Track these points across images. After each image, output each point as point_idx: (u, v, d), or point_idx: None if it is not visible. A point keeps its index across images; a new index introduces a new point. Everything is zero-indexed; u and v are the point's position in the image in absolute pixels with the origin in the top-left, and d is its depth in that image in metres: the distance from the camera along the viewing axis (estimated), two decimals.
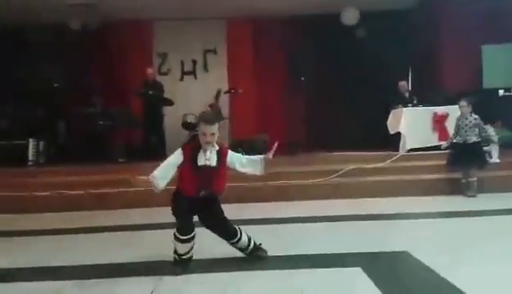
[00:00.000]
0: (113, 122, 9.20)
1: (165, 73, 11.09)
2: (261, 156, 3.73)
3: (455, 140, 7.07)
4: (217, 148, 3.63)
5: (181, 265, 3.63)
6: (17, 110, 9.81)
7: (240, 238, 3.75)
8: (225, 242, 3.81)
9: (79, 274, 3.70)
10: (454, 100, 7.73)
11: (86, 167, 8.27)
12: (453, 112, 7.75)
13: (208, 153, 3.57)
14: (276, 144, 3.73)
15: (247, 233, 3.82)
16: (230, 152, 3.73)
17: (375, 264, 3.66)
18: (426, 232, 4.90)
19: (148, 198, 6.80)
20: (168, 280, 3.47)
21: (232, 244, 3.79)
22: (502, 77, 9.50)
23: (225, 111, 10.11)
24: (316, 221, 5.42)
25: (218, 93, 10.14)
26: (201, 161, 3.55)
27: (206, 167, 3.55)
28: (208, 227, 3.76)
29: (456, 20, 9.80)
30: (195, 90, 11.02)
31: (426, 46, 10.30)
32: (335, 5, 10.06)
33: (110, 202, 6.95)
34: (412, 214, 5.71)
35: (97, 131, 9.30)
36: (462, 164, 6.93)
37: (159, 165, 3.61)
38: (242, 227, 3.84)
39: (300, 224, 5.30)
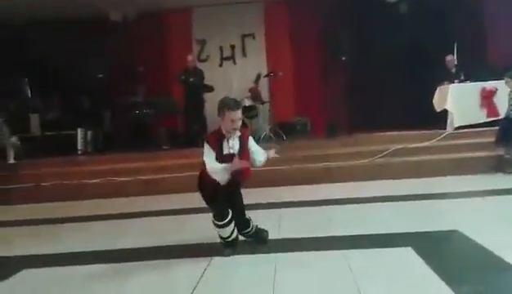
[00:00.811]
0: (155, 110, 9.35)
1: (204, 60, 11.12)
2: (265, 152, 3.80)
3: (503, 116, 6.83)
4: (239, 133, 3.65)
5: (230, 247, 3.68)
6: (65, 102, 10.13)
7: (250, 230, 3.80)
8: (269, 224, 3.80)
9: (129, 257, 3.82)
10: (502, 75, 7.41)
11: (132, 154, 8.46)
12: (502, 87, 7.43)
13: (231, 141, 3.60)
14: (273, 151, 3.83)
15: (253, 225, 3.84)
16: (250, 138, 3.78)
17: (426, 243, 3.59)
18: (476, 210, 4.78)
19: (193, 184, 6.95)
20: (219, 261, 3.53)
21: (242, 234, 3.80)
22: None
23: (265, 94, 10.08)
24: (362, 202, 5.35)
25: (258, 77, 10.12)
26: (226, 150, 3.59)
27: (229, 155, 3.58)
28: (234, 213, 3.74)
29: None
30: (234, 75, 11.03)
31: (472, 19, 9.88)
32: None
33: (156, 188, 7.11)
34: (461, 193, 5.56)
35: (141, 119, 9.48)
36: (506, 140, 6.69)
37: (201, 151, 3.66)
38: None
39: (347, 206, 5.25)
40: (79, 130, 9.18)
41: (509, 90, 6.79)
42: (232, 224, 3.66)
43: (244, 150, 3.66)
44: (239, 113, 3.55)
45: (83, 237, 4.77)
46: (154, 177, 7.36)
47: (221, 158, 3.57)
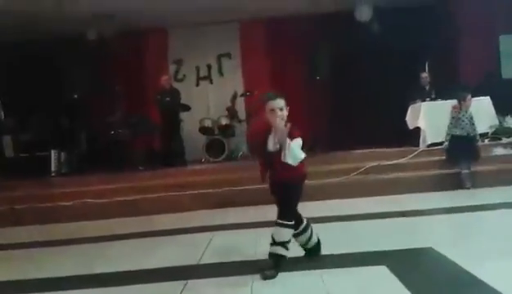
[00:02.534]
0: (132, 130, 9.29)
1: (181, 80, 11.17)
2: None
3: (457, 133, 7.11)
4: (287, 131, 3.42)
5: (276, 262, 3.52)
6: (38, 123, 9.98)
7: (303, 230, 3.63)
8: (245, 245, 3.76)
9: (105, 282, 3.74)
10: (474, 92, 7.65)
11: (107, 175, 8.35)
12: (474, 104, 7.67)
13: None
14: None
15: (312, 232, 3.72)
16: (299, 138, 3.48)
17: (401, 261, 3.62)
18: (449, 227, 4.89)
19: (171, 204, 6.93)
20: (194, 284, 3.48)
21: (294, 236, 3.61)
22: None
23: (242, 114, 10.13)
24: (337, 220, 5.39)
25: (234, 96, 10.17)
26: (270, 146, 3.46)
27: (274, 152, 3.43)
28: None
29: (474, 10, 9.67)
30: (211, 94, 11.09)
31: (443, 39, 10.16)
32: (349, 2, 10.01)
33: (132, 210, 7.01)
34: (434, 209, 5.66)
35: (117, 140, 9.39)
36: (463, 156, 6.99)
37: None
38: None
39: (321, 224, 5.23)
40: (53, 151, 9.04)
41: (458, 107, 7.14)
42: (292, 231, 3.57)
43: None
44: (278, 103, 3.43)
45: (59, 261, 4.67)
46: (129, 199, 7.25)
47: (267, 154, 3.45)
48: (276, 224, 3.55)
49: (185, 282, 3.51)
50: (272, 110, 3.43)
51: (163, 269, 3.97)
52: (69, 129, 9.84)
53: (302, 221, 3.71)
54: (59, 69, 9.98)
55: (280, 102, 3.45)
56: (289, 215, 3.54)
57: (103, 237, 5.65)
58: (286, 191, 3.54)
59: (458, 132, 7.11)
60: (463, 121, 7.09)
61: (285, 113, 3.47)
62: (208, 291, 3.35)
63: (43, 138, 9.47)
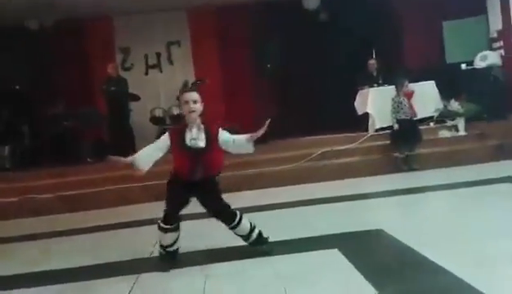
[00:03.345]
0: (78, 122, 8.98)
1: (129, 68, 10.87)
2: (247, 135, 3.50)
3: (402, 117, 7.37)
4: (205, 127, 3.41)
5: (169, 260, 3.54)
6: None
7: (238, 223, 3.51)
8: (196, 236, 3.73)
9: (50, 280, 3.61)
10: (419, 77, 7.88)
11: (54, 169, 8.06)
12: (419, 89, 7.92)
13: (194, 131, 3.37)
14: (267, 122, 3.49)
15: (250, 221, 3.60)
16: (221, 131, 3.46)
17: (352, 244, 3.69)
18: (399, 209, 5.02)
19: (121, 197, 6.77)
20: (146, 277, 3.42)
21: (232, 229, 3.55)
22: (464, 51, 9.68)
23: None
24: (290, 206, 5.43)
25: (185, 85, 10.01)
26: (188, 140, 3.36)
27: (194, 148, 3.35)
28: (209, 212, 3.58)
29: None
30: (161, 83, 10.87)
31: (389, 25, 10.39)
32: None
33: (80, 204, 6.83)
34: (384, 192, 5.81)
35: (63, 132, 9.06)
36: (407, 139, 7.30)
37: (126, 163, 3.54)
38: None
39: (275, 211, 5.29)
40: None
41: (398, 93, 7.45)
42: (177, 234, 3.49)
43: (213, 144, 3.39)
44: (193, 95, 3.36)
45: (3, 259, 4.47)
46: (76, 193, 7.05)
47: (184, 149, 3.34)
48: (231, 228, 3.54)
49: (136, 276, 3.42)
50: (186, 102, 3.38)
51: (113, 264, 3.86)
52: (11, 122, 9.41)
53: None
54: None
55: (193, 95, 3.40)
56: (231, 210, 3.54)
57: (51, 233, 5.47)
58: (215, 187, 3.55)
59: (402, 116, 7.34)
60: (405, 105, 7.36)
61: (200, 106, 3.41)
62: (162, 285, 3.29)
63: None
